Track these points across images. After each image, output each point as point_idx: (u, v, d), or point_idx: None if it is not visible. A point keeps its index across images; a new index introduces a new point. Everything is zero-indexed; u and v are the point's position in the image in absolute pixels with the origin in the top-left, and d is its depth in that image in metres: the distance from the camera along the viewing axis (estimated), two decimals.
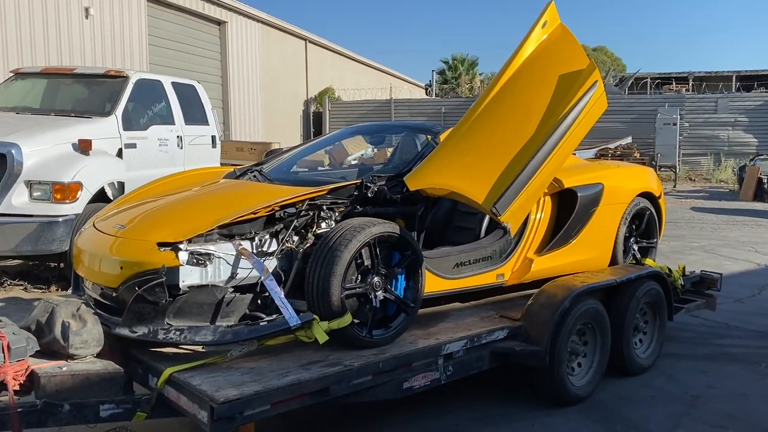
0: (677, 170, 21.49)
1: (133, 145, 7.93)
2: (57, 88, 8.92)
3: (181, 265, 3.28)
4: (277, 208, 3.62)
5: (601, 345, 4.63)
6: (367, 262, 3.62)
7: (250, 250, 3.51)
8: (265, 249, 3.56)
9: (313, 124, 23.31)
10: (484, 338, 4.05)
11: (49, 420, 2.94)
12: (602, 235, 5.17)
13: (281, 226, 3.63)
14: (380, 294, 3.66)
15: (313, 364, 3.34)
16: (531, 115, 3.65)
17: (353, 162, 5.80)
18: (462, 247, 4.39)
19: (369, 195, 3.83)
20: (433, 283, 4.16)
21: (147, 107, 8.39)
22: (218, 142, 9.87)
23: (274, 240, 3.61)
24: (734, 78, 35.65)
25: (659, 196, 5.70)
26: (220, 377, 3.11)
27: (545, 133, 3.61)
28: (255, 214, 3.55)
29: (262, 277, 3.34)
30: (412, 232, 3.96)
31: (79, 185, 6.65)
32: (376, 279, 3.64)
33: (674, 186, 20.98)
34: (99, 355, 3.27)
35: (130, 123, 7.92)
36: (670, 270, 5.72)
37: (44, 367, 3.08)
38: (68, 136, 7.06)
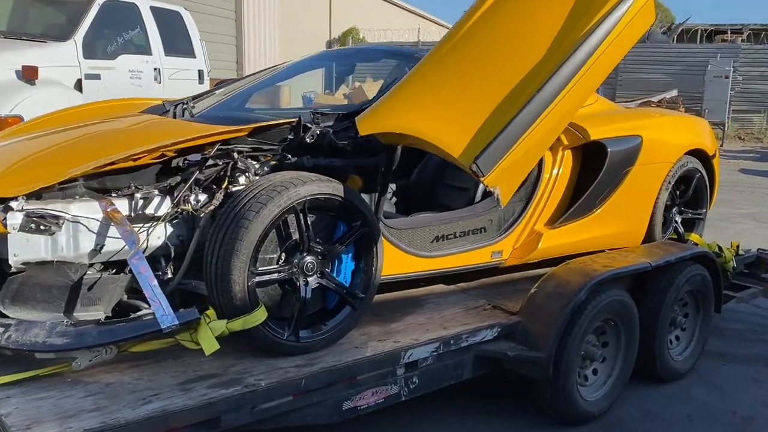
0: (726, 127, 19.77)
1: (96, 76, 6.91)
2: (26, 9, 7.90)
3: (8, 231, 2.26)
4: (171, 154, 2.56)
5: (626, 347, 3.54)
6: (296, 236, 2.56)
7: (128, 212, 2.48)
8: (151, 211, 2.52)
9: None
10: (464, 340, 2.98)
11: None
12: (637, 203, 4.02)
13: (178, 179, 2.58)
14: (313, 280, 2.61)
15: (201, 380, 2.32)
16: (537, 32, 2.49)
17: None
18: (444, 215, 3.30)
19: (307, 140, 2.73)
20: (401, 263, 3.10)
21: (117, 33, 7.33)
22: (207, 77, 8.79)
23: (168, 199, 2.56)
24: None
25: (713, 156, 4.49)
26: (51, 400, 2.12)
27: (556, 60, 2.44)
28: (135, 160, 2.49)
29: (131, 253, 2.30)
30: (372, 194, 2.87)
31: (18, 119, 5.67)
32: (308, 260, 2.58)
33: (721, 145, 19.32)
34: None
35: (93, 50, 6.89)
36: (720, 249, 4.55)
37: None
38: (12, 62, 6.05)
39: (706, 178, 4.46)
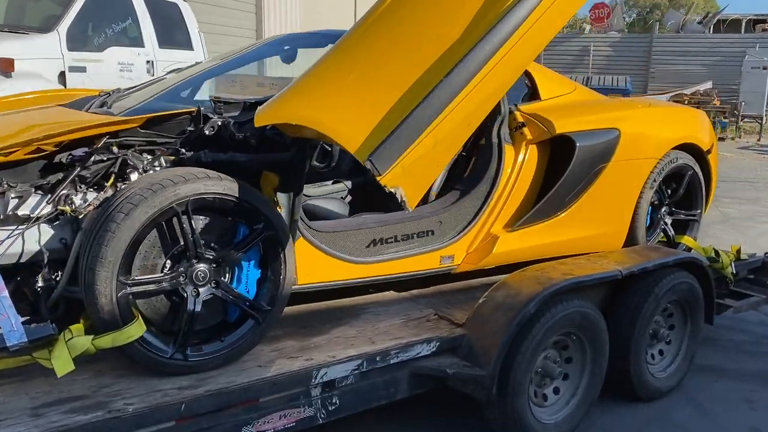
0: (763, 121, 18.92)
1: (82, 69, 6.75)
2: (23, 2, 7.82)
3: None
4: (51, 148, 2.31)
5: (593, 364, 3.18)
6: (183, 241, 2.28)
7: None
8: (26, 212, 2.26)
9: None
10: (394, 356, 2.67)
11: None
12: (615, 203, 3.64)
13: (60, 176, 2.33)
14: (206, 291, 2.33)
15: (60, 404, 2.07)
16: (452, 15, 2.15)
17: None
18: (381, 217, 2.98)
19: (206, 132, 2.45)
20: (330, 269, 2.81)
21: (106, 25, 7.16)
22: None
23: (48, 198, 2.31)
24: None
25: (708, 151, 4.07)
26: None
27: (468, 44, 2.10)
28: (7, 155, 2.24)
29: None
30: (288, 194, 2.58)
31: None
32: (200, 268, 2.30)
33: (758, 140, 18.47)
34: None
35: (78, 42, 6.73)
36: (717, 253, 4.14)
37: None
38: None
39: (700, 176, 4.05)
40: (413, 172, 2.10)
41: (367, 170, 3.65)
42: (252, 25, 18.96)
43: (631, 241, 3.78)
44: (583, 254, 3.53)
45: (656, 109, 3.97)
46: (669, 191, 4.02)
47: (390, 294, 3.31)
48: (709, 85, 18.66)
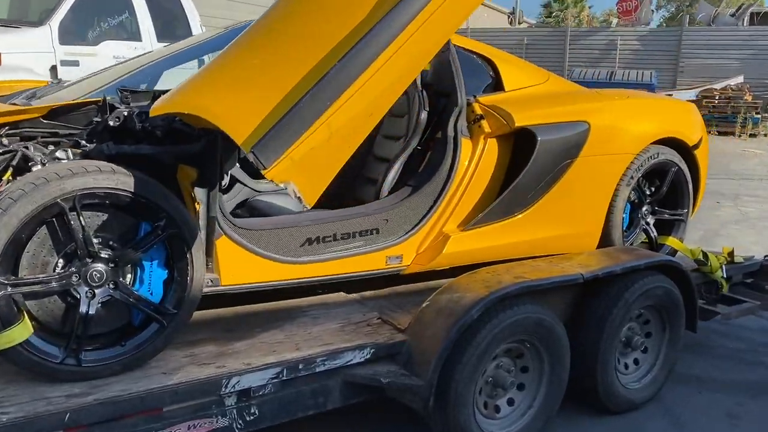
0: None
1: (74, 63, 6.70)
2: None
3: None
4: None
5: (551, 374, 2.97)
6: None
7: None
8: None
9: None
10: (320, 364, 2.50)
11: None
12: (585, 201, 3.41)
13: None
14: (102, 292, 2.19)
15: None
16: (349, 3, 1.97)
17: None
18: (318, 215, 2.81)
19: (111, 123, 2.30)
20: (258, 270, 2.65)
21: (101, 18, 7.10)
22: None
23: None
24: None
25: (696, 146, 3.79)
26: None
27: (363, 30, 1.92)
28: None
29: None
30: (205, 189, 2.42)
31: None
32: (95, 267, 2.16)
33: None
34: None
35: (71, 36, 6.68)
36: (705, 256, 3.87)
37: None
38: None
39: (687, 173, 3.78)
40: (306, 166, 1.93)
41: None
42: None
43: (606, 242, 3.54)
44: (548, 255, 3.31)
45: (634, 101, 3.71)
46: (652, 189, 3.77)
47: (338, 296, 3.14)
48: (740, 79, 18.00)
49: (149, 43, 7.58)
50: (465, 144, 3.13)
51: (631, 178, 3.50)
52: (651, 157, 3.56)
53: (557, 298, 3.05)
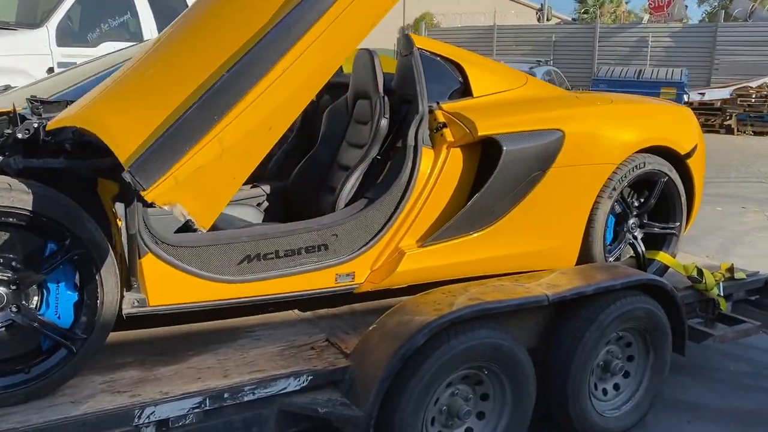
0: None
1: (72, 65, 6.65)
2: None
3: None
4: None
5: (514, 402, 2.76)
6: None
7: None
8: None
9: None
10: (249, 392, 2.34)
11: None
12: (559, 215, 3.18)
13: None
14: (2, 316, 2.05)
15: None
16: (253, 10, 1.80)
17: None
18: (256, 230, 2.65)
19: (20, 136, 2.16)
20: (189, 289, 2.49)
21: (101, 19, 7.06)
22: None
23: None
24: None
25: (688, 155, 3.53)
26: None
27: (258, 36, 1.75)
28: None
29: None
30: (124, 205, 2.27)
31: None
32: None
33: None
34: None
35: (69, 37, 6.66)
36: (700, 272, 3.60)
37: None
38: None
39: (678, 183, 3.51)
40: (194, 186, 1.76)
41: (287, 175, 3.33)
42: None
43: (586, 257, 3.30)
44: (518, 273, 3.10)
45: (617, 107, 3.45)
46: (640, 201, 3.51)
47: (289, 314, 2.98)
48: None
49: None
50: (426, 154, 2.93)
51: (614, 189, 3.26)
52: (636, 166, 3.31)
53: (521, 321, 2.84)
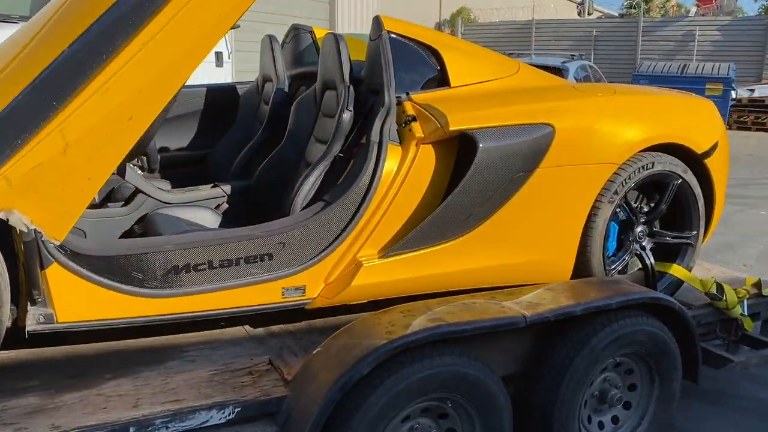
0: None
1: None
2: None
3: None
4: None
5: None
6: None
7: None
8: None
9: None
10: (161, 426, 2.01)
11: None
12: (549, 222, 2.78)
13: None
14: None
15: None
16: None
17: None
18: (188, 237, 2.33)
19: None
20: (104, 304, 2.19)
21: None
22: (228, 59, 8.18)
23: None
24: None
25: (706, 154, 3.08)
26: None
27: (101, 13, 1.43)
28: None
29: None
30: None
31: None
32: None
33: None
34: None
35: None
36: (720, 288, 3.15)
37: None
38: None
39: (694, 186, 3.07)
40: (35, 188, 1.45)
41: (250, 174, 3.01)
42: (325, 15, 18.58)
43: (582, 271, 2.90)
44: (498, 288, 2.71)
45: (620, 99, 3.01)
46: (650, 206, 3.08)
47: (237, 331, 2.66)
48: None
49: None
50: (392, 151, 2.57)
51: (615, 193, 2.84)
52: (643, 167, 2.89)
53: (496, 345, 2.46)
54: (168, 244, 2.26)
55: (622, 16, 29.52)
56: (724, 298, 3.15)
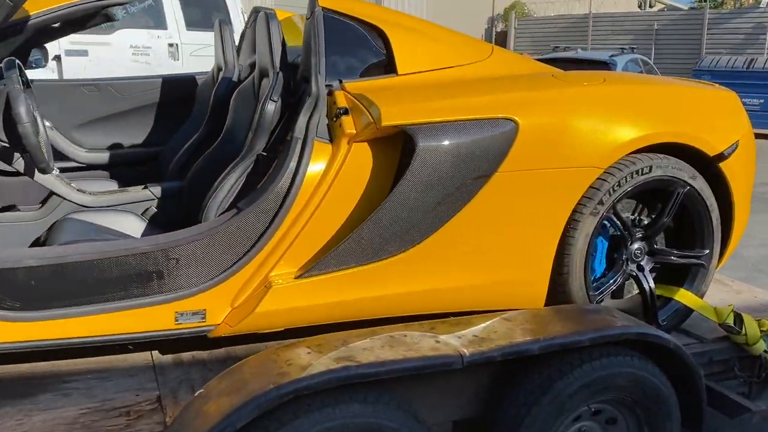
0: None
1: (82, 52, 6.33)
2: None
3: None
4: None
5: None
6: None
7: None
8: None
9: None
10: None
11: None
12: (513, 237, 2.29)
13: None
14: None
15: None
16: None
17: None
18: (55, 250, 1.97)
19: None
20: None
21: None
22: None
23: None
24: None
25: (721, 156, 2.53)
26: None
27: None
28: None
29: None
30: None
31: None
32: None
33: None
34: None
35: None
36: (739, 320, 2.60)
37: None
38: None
39: (706, 195, 2.53)
40: None
41: (184, 174, 2.65)
42: None
43: (560, 295, 2.41)
44: (449, 315, 2.26)
45: (609, 89, 2.48)
46: (653, 216, 2.56)
47: (140, 357, 2.29)
48: None
49: (176, 31, 7.10)
50: (320, 150, 2.16)
51: (600, 203, 2.34)
52: (637, 172, 2.37)
53: (431, 389, 2.00)
54: (28, 258, 1.90)
55: (693, 9, 28.07)
56: (744, 331, 2.59)
